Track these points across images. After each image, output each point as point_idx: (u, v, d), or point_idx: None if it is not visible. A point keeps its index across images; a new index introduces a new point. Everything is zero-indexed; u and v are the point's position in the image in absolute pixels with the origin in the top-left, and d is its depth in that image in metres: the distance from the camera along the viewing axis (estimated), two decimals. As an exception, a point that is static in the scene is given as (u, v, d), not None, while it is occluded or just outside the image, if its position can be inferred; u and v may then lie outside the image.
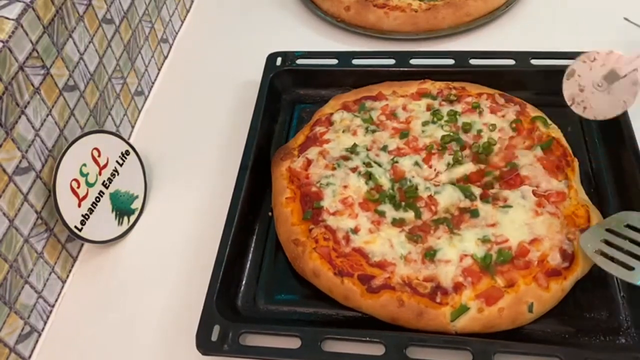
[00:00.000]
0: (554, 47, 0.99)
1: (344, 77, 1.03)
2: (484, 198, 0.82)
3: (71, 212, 0.81)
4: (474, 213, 0.80)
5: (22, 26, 0.73)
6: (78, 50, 0.86)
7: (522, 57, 0.98)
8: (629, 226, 0.75)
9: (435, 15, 1.11)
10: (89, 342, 0.80)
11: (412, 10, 1.13)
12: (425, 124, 0.92)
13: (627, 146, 0.86)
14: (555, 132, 0.90)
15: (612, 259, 0.73)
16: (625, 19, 0.87)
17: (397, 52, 1.04)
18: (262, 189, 0.91)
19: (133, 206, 0.92)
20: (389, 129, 0.93)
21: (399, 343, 0.70)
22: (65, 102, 0.84)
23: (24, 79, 0.74)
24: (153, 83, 1.12)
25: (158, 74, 1.14)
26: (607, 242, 0.74)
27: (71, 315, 0.83)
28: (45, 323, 0.81)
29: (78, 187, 0.82)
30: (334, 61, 1.03)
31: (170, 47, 1.19)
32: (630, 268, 0.72)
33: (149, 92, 1.11)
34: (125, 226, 0.90)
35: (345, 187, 0.85)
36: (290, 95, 1.05)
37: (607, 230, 0.76)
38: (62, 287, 0.85)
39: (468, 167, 0.87)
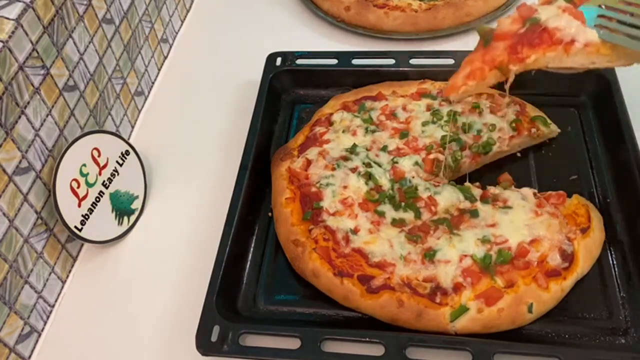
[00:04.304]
0: (554, 47, 0.98)
1: (343, 77, 1.03)
2: (484, 199, 0.82)
3: (71, 212, 0.81)
4: (474, 213, 0.80)
5: (22, 26, 0.73)
6: (78, 50, 0.86)
7: (522, 57, 0.98)
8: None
9: (435, 15, 1.11)
10: (89, 342, 0.80)
11: (412, 10, 1.13)
12: (425, 124, 0.92)
13: (628, 145, 0.86)
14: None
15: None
16: None
17: (397, 52, 1.04)
18: (262, 189, 0.91)
19: (133, 206, 0.92)
20: (389, 129, 0.93)
21: (399, 343, 0.70)
22: (65, 102, 0.84)
23: (24, 79, 0.74)
24: (153, 83, 1.12)
25: (158, 74, 1.14)
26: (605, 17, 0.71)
27: (71, 315, 0.83)
28: (45, 323, 0.81)
29: (78, 187, 0.82)
30: (334, 61, 1.03)
31: (170, 47, 1.19)
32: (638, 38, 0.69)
33: (149, 92, 1.11)
34: (125, 226, 0.90)
35: (345, 187, 0.85)
36: (290, 96, 1.05)
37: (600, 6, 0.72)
38: (62, 287, 0.85)
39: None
